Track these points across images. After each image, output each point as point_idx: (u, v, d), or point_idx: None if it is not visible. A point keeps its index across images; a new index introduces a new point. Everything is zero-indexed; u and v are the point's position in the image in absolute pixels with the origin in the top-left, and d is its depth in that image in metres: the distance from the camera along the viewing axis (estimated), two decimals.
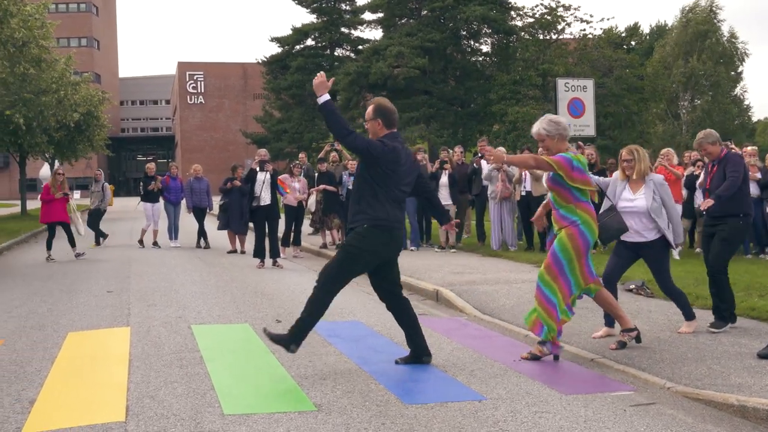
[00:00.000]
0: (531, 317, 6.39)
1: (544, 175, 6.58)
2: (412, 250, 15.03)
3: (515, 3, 41.47)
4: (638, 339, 6.65)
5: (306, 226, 17.55)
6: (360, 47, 49.38)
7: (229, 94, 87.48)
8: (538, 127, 6.41)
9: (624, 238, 6.97)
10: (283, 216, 14.87)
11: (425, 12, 41.76)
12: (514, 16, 40.72)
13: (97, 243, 18.37)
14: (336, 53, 51.92)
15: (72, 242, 15.31)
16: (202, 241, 17.63)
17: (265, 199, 13.44)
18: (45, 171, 52.07)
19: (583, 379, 5.85)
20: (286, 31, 51.76)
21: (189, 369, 6.11)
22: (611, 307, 6.62)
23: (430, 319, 8.41)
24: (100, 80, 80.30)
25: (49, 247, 15.24)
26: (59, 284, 11.59)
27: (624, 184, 7.09)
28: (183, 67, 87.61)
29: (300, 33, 50.79)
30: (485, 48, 43.12)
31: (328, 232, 16.23)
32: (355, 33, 51.79)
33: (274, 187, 13.65)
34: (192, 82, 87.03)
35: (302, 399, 5.25)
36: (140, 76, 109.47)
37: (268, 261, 13.53)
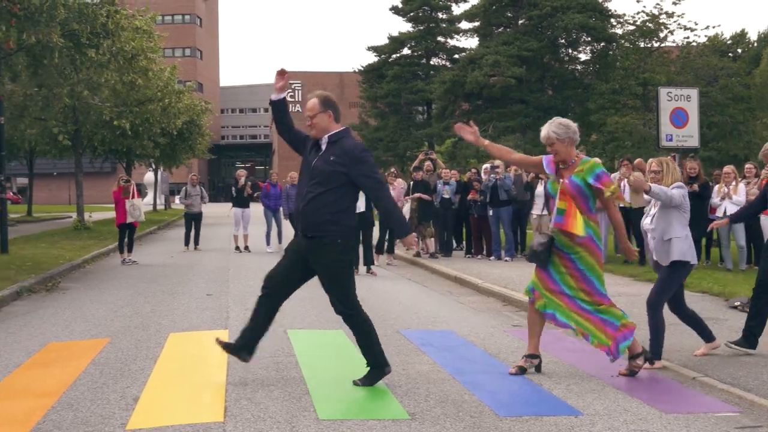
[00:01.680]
0: (594, 341, 6.14)
1: (566, 184, 6.12)
2: (506, 260, 14.89)
3: (615, 10, 40.56)
4: (539, 368, 6.34)
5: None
6: (456, 56, 49.36)
7: None
8: (547, 130, 6.21)
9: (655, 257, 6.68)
10: (377, 223, 14.97)
11: (522, 20, 41.41)
12: (615, 24, 39.95)
13: (197, 244, 18.99)
14: (432, 62, 52.00)
15: (130, 247, 15.90)
16: None
17: (360, 206, 13.56)
18: (149, 177, 54.09)
19: (685, 397, 5.66)
20: (383, 41, 52.21)
21: (285, 373, 6.22)
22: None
23: (526, 331, 8.29)
24: (202, 89, 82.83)
25: (121, 250, 15.88)
26: (162, 286, 11.99)
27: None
28: None
29: (396, 42, 51.12)
30: (584, 56, 42.47)
31: (421, 241, 16.25)
32: (452, 42, 51.78)
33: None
34: (290, 90, 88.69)
35: (396, 407, 5.27)
36: (240, 85, 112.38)
37: (362, 268, 13.63)
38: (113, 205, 16.19)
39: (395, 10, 51.14)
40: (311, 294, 10.96)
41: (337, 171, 5.59)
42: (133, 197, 15.66)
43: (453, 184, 16.26)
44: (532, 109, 38.99)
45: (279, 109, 5.99)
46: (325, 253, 5.67)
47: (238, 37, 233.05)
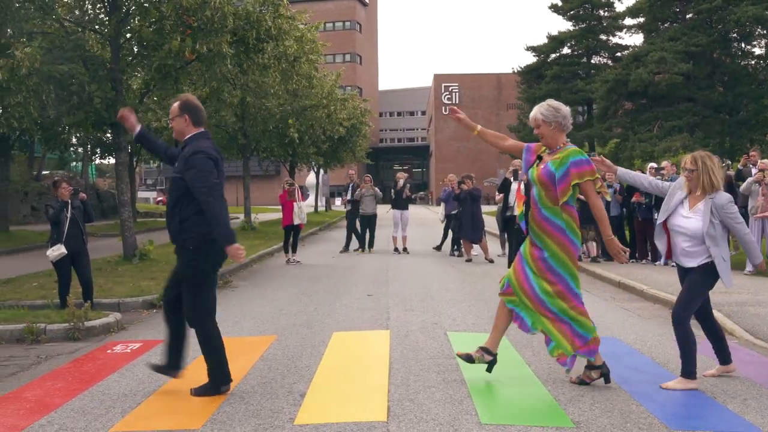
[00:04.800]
0: (555, 351, 5.88)
1: (541, 169, 5.86)
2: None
3: None
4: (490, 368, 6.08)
5: None
6: (619, 54, 47.87)
7: (482, 104, 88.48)
8: (535, 112, 5.90)
9: (675, 260, 6.08)
10: None
11: (690, 15, 39.55)
12: None
13: (371, 247, 19.18)
14: (593, 61, 50.68)
15: (294, 247, 16.55)
16: (455, 249, 17.97)
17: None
18: (311, 179, 55.79)
19: None
20: (542, 40, 51.41)
21: (446, 375, 6.22)
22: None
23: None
24: (362, 93, 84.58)
25: (286, 250, 16.53)
26: (325, 286, 12.33)
27: (683, 195, 6.03)
28: (439, 79, 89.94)
29: (556, 41, 50.20)
30: (758, 50, 39.93)
31: (583, 245, 15.85)
32: (614, 39, 50.24)
33: None
34: (447, 93, 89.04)
35: (559, 414, 5.15)
36: (398, 88, 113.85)
37: None
38: (279, 207, 16.94)
39: (555, 8, 50.22)
40: (471, 297, 10.97)
41: (177, 177, 5.59)
42: (298, 200, 16.33)
43: (616, 185, 15.74)
44: (701, 107, 37.13)
45: (143, 142, 6.12)
46: (178, 258, 5.67)
47: (395, 40, 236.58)
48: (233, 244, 5.46)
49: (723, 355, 6.26)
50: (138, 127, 6.04)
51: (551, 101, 6.03)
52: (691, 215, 5.92)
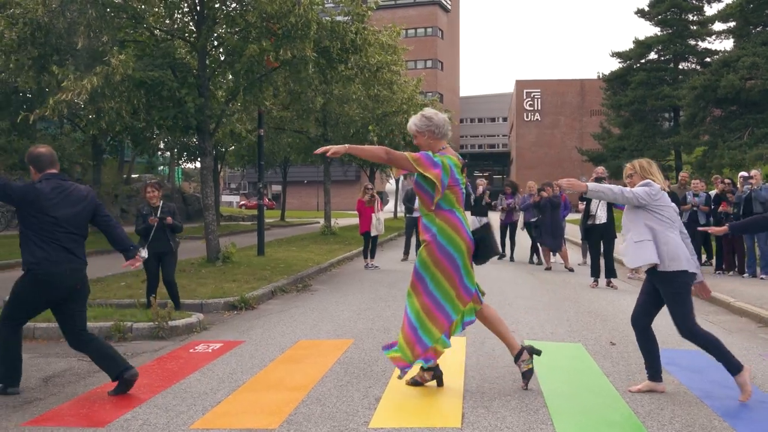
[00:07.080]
0: (391, 353, 5.95)
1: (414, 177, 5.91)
2: (762, 278, 13.78)
3: None
4: (536, 351, 6.04)
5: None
6: (708, 59, 46.54)
7: (565, 110, 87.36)
8: (410, 123, 5.99)
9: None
10: (618, 235, 14.43)
11: None
12: None
13: None
14: (680, 66, 49.39)
15: (373, 253, 16.74)
16: (534, 257, 17.78)
17: (601, 217, 13.17)
18: (390, 185, 56.06)
19: None
20: (627, 46, 50.48)
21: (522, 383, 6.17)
22: (493, 326, 5.97)
23: None
24: (443, 99, 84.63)
25: (365, 255, 16.69)
26: (401, 291, 12.36)
27: None
28: (521, 85, 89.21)
29: (642, 46, 49.13)
30: None
31: None
32: (702, 44, 48.86)
33: (611, 205, 13.33)
34: (529, 99, 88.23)
35: (638, 427, 5.05)
36: (479, 95, 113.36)
37: (602, 281, 13.24)
38: (357, 213, 17.10)
39: (641, 13, 49.21)
40: (549, 305, 10.85)
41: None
42: (377, 211, 16.46)
43: (703, 195, 15.33)
44: None
45: None
46: None
47: (477, 46, 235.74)
48: None
49: (654, 370, 6.03)
50: None
51: (425, 110, 6.12)
52: None
